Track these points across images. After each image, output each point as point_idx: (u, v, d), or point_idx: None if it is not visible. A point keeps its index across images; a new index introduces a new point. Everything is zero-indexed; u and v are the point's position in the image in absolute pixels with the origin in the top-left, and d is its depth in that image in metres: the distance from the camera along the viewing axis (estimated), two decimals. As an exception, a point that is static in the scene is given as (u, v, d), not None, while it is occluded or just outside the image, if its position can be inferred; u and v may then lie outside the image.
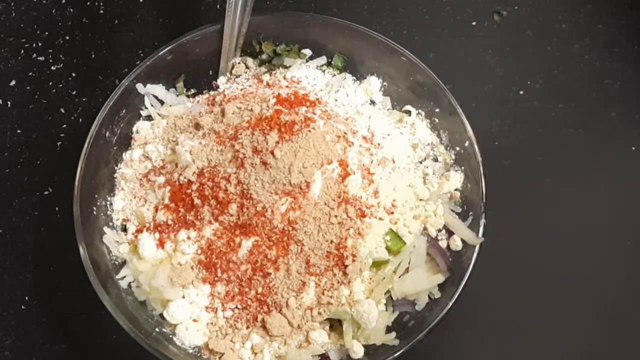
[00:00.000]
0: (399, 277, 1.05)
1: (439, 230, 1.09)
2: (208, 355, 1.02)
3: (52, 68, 1.23)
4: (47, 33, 1.24)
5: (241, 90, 1.13)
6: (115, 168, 1.11)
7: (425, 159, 1.13)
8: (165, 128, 1.12)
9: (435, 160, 1.13)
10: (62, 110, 1.21)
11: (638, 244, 1.18)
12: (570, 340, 1.14)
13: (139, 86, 1.12)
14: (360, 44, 1.15)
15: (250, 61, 1.18)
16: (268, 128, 1.01)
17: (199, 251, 1.02)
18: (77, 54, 1.24)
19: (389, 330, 1.04)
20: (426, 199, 1.08)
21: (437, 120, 1.14)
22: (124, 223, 1.09)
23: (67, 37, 1.25)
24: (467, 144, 1.09)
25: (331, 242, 1.01)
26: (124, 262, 1.06)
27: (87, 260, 1.00)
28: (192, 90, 1.18)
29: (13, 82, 1.22)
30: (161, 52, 1.11)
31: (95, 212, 1.07)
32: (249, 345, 1.02)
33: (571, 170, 1.22)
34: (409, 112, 1.15)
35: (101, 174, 1.09)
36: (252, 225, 0.99)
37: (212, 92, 1.16)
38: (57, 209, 1.17)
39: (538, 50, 1.27)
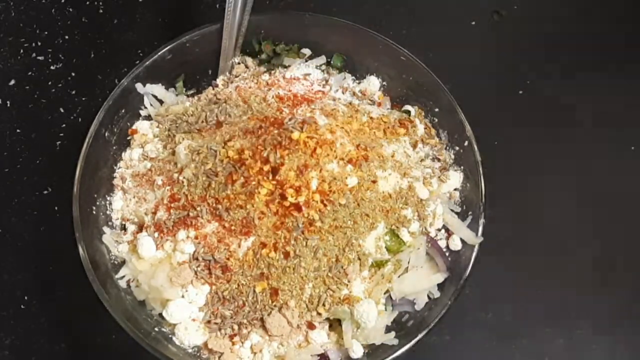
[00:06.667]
0: (399, 276, 1.05)
1: (439, 230, 1.09)
2: (207, 355, 1.02)
3: (52, 67, 1.23)
4: (46, 32, 1.25)
5: (239, 89, 1.13)
6: (115, 168, 1.11)
7: (424, 158, 1.13)
8: (164, 128, 1.12)
9: (435, 160, 1.13)
10: (62, 110, 1.21)
11: (638, 243, 1.19)
12: (571, 340, 1.14)
13: (139, 86, 1.12)
14: (360, 43, 1.15)
15: (249, 61, 1.18)
16: (267, 128, 1.01)
17: (199, 251, 1.02)
18: (76, 53, 1.24)
19: (388, 329, 1.04)
20: (426, 199, 1.08)
21: (436, 120, 1.14)
22: (124, 222, 1.09)
23: (67, 37, 1.25)
24: (466, 143, 1.09)
25: (331, 242, 1.01)
26: (123, 262, 1.06)
27: (87, 259, 1.00)
28: (192, 90, 1.18)
29: (12, 82, 1.22)
30: (161, 52, 1.11)
31: (94, 212, 1.07)
32: (248, 344, 1.02)
33: (571, 170, 1.22)
34: (408, 112, 1.15)
35: (100, 173, 1.09)
36: (252, 225, 0.99)
37: (211, 92, 1.16)
38: (56, 208, 1.17)
39: (538, 50, 1.27)
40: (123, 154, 1.12)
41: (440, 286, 1.06)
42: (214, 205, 1.00)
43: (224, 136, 1.04)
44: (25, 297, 1.14)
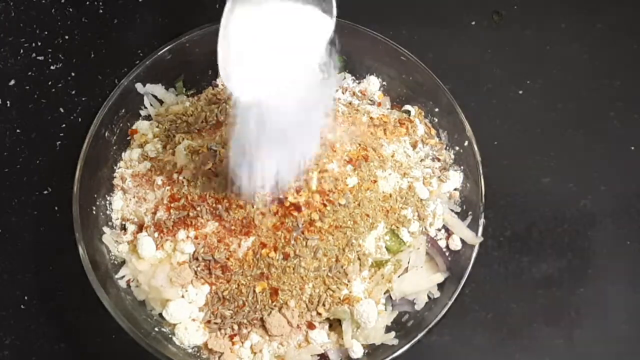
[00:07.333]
0: (399, 276, 1.05)
1: (438, 230, 1.09)
2: (207, 355, 1.02)
3: (52, 67, 1.23)
4: (46, 32, 1.24)
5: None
6: (115, 168, 1.11)
7: (424, 158, 1.13)
8: (164, 128, 1.12)
9: (435, 160, 1.13)
10: (62, 110, 1.21)
11: (638, 243, 1.18)
12: (571, 341, 1.14)
13: (139, 86, 1.12)
14: (360, 44, 1.14)
15: (249, 61, 1.18)
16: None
17: (199, 251, 1.02)
18: (76, 53, 1.24)
19: (388, 329, 1.04)
20: (426, 199, 1.08)
21: (436, 120, 1.14)
22: (124, 222, 1.09)
23: (67, 37, 1.25)
24: (466, 143, 1.09)
25: (331, 242, 1.01)
26: (123, 262, 1.06)
27: (87, 259, 1.00)
28: (192, 90, 1.18)
29: (12, 82, 1.22)
30: (161, 52, 1.11)
31: (94, 212, 1.07)
32: (248, 344, 1.02)
33: (570, 170, 1.22)
34: (408, 112, 1.15)
35: (100, 173, 1.09)
36: (252, 225, 0.99)
37: (211, 92, 1.16)
38: (56, 208, 1.16)
39: (538, 50, 1.27)
40: (123, 154, 1.12)
41: (440, 286, 1.06)
42: (214, 205, 1.00)
43: (224, 136, 1.04)
44: (25, 297, 1.13)
